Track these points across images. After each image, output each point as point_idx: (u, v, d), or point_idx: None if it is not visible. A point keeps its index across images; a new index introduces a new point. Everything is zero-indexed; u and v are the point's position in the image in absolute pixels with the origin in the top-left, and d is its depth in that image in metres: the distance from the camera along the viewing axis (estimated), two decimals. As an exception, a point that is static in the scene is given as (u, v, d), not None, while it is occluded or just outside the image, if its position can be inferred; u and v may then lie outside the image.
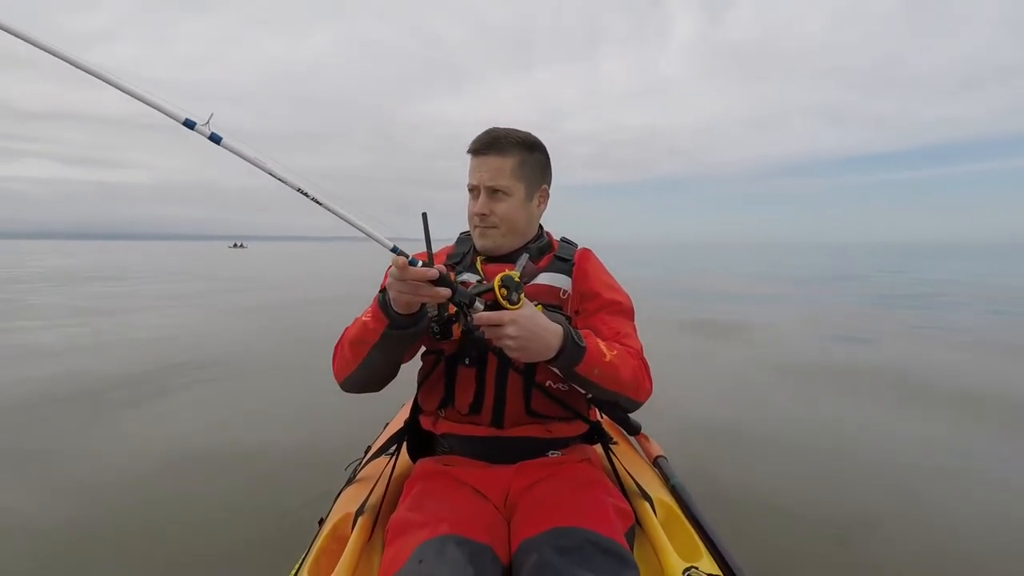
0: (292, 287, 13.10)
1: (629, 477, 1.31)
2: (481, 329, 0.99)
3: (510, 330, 0.96)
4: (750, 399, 3.62)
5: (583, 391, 1.13)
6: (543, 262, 1.26)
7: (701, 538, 1.14)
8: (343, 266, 22.83)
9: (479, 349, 1.16)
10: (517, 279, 1.00)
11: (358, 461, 1.53)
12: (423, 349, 1.29)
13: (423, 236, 1.02)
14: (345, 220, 0.94)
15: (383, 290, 1.03)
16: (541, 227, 1.33)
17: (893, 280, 14.27)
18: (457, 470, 1.18)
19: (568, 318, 1.19)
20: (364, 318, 1.07)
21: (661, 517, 1.19)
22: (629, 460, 1.43)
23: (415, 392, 1.32)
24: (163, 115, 0.89)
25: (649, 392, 1.17)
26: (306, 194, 0.92)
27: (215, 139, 0.92)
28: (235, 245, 68.15)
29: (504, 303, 0.99)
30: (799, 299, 10.00)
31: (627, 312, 1.24)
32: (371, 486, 1.26)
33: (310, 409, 3.37)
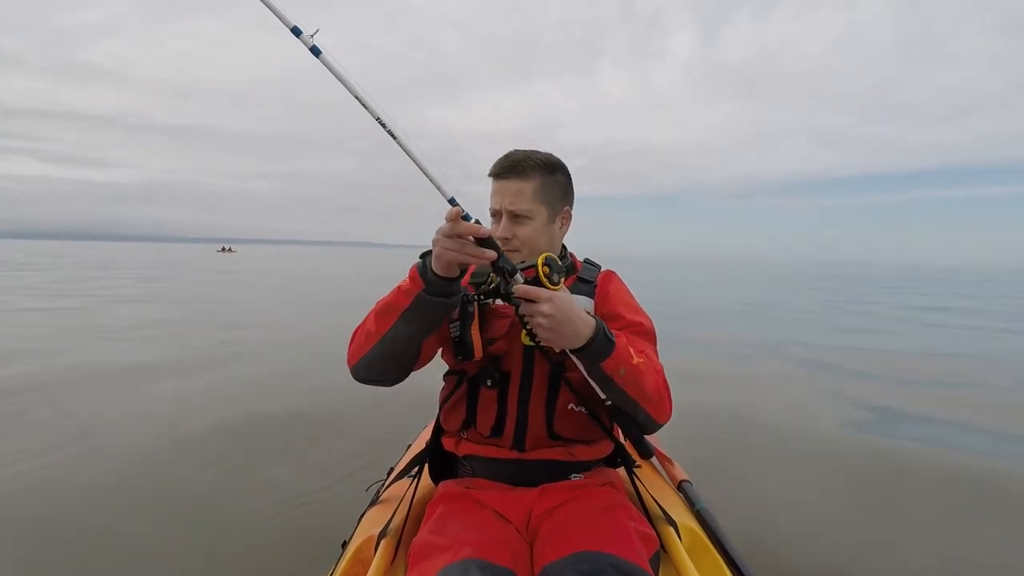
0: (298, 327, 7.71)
1: (653, 501, 1.29)
2: (516, 299, 0.99)
3: (545, 307, 0.96)
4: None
5: (604, 395, 1.10)
6: (566, 283, 1.25)
7: (728, 565, 1.12)
8: (344, 280, 19.16)
9: (501, 371, 1.16)
10: (560, 262, 1.03)
11: (381, 483, 1.53)
12: (446, 369, 1.30)
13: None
14: (413, 160, 0.99)
15: (423, 256, 1.04)
16: (564, 247, 1.33)
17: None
18: (479, 493, 1.17)
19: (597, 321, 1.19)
20: (400, 284, 1.07)
21: (686, 543, 1.17)
22: (653, 484, 1.41)
23: (437, 414, 1.33)
24: (274, 18, 1.01)
25: (669, 414, 1.14)
26: (383, 125, 0.98)
27: (315, 51, 0.99)
28: (223, 249, 67.31)
29: (545, 281, 1.00)
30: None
31: (648, 335, 1.22)
32: (394, 508, 1.26)
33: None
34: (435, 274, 1.00)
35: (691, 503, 1.38)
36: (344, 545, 1.24)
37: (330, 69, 0.99)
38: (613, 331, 1.06)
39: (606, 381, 1.05)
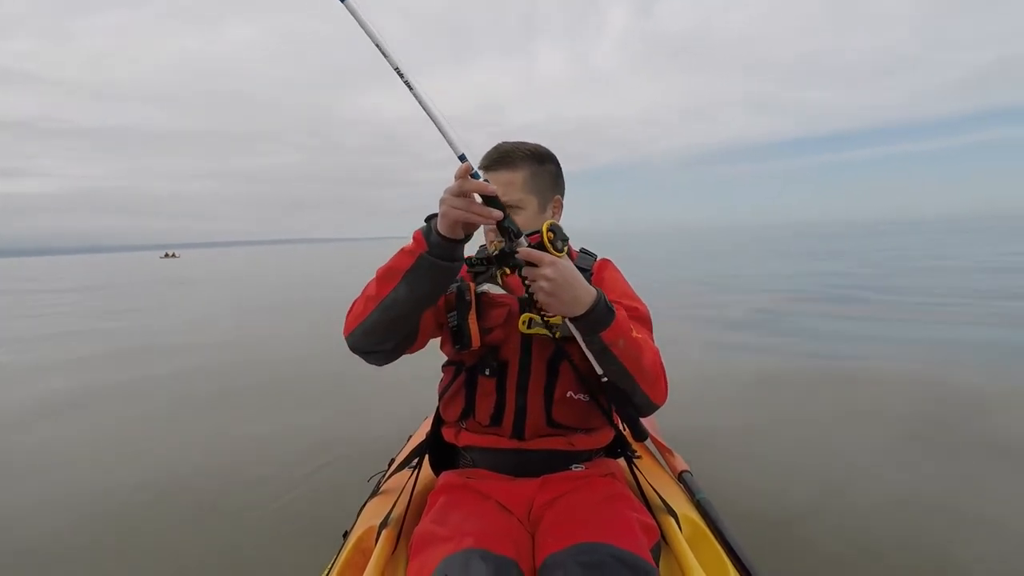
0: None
1: (653, 492, 1.30)
2: (519, 257, 0.99)
3: (548, 271, 0.96)
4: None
5: (601, 369, 1.08)
6: None
7: (728, 555, 1.12)
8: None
9: (499, 359, 1.16)
10: (563, 230, 1.04)
11: (381, 473, 1.54)
12: (444, 359, 1.30)
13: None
14: (428, 112, 1.00)
15: (427, 218, 1.03)
16: None
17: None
18: (480, 483, 1.18)
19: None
20: (404, 247, 1.07)
21: (687, 533, 1.17)
22: (653, 474, 1.42)
23: (437, 405, 1.33)
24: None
25: (664, 395, 1.13)
26: (401, 75, 0.98)
27: None
28: (167, 255, 66.29)
29: (549, 247, 1.00)
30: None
31: (644, 320, 1.22)
32: (394, 499, 1.27)
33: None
34: (439, 235, 0.99)
35: (691, 493, 1.38)
36: (345, 535, 1.25)
37: (353, 14, 0.98)
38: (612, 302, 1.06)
39: (604, 352, 1.03)
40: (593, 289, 1.01)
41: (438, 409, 1.32)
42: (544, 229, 1.01)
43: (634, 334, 1.06)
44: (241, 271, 25.08)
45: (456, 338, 1.18)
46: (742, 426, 3.07)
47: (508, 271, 1.10)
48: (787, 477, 2.44)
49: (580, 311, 0.99)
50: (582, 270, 1.24)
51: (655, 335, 1.23)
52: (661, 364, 1.14)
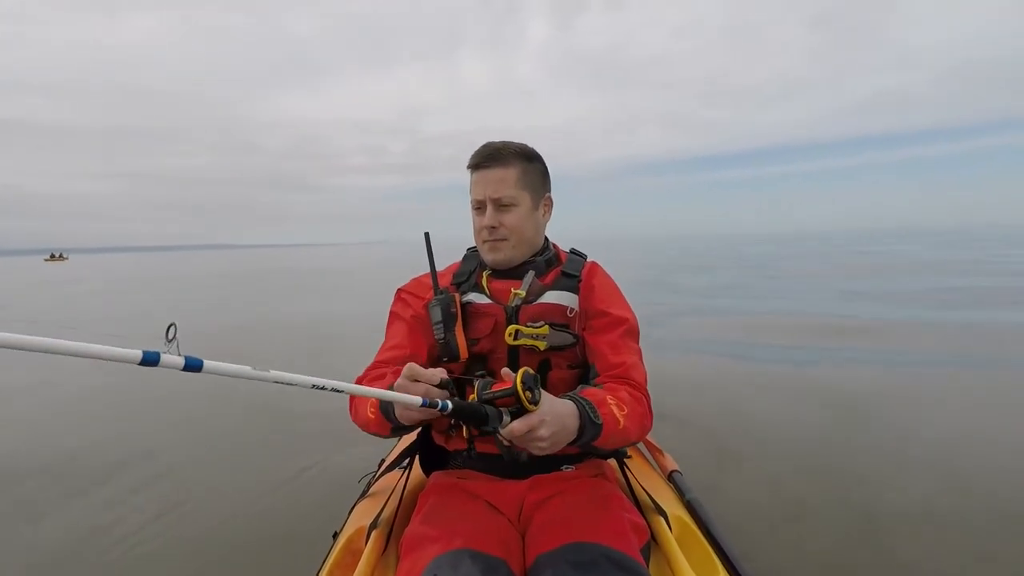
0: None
1: (644, 492, 1.30)
2: (506, 440, 0.91)
3: (543, 432, 0.90)
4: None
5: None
6: (549, 278, 1.24)
7: (717, 554, 1.13)
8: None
9: (487, 370, 1.16)
10: (533, 372, 0.92)
11: (372, 474, 1.53)
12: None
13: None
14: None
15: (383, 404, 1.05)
16: (547, 239, 1.32)
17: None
18: (470, 484, 1.17)
19: (577, 337, 1.18)
20: (370, 415, 1.08)
21: (676, 533, 1.18)
22: (643, 474, 1.42)
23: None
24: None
25: (649, 430, 1.16)
26: (323, 388, 0.73)
27: (192, 366, 0.61)
28: (53, 256, 58.09)
29: (528, 405, 0.89)
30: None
31: (633, 332, 1.22)
32: (384, 499, 1.26)
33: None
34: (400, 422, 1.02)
35: (681, 493, 1.39)
36: (335, 536, 1.24)
37: (224, 373, 0.63)
38: (592, 401, 1.00)
39: (597, 450, 1.11)
40: (572, 405, 0.97)
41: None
42: (519, 388, 0.88)
43: (621, 425, 1.02)
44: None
45: (444, 351, 1.18)
46: (733, 426, 3.09)
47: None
48: (777, 477, 2.46)
49: (573, 437, 0.96)
50: (571, 276, 1.23)
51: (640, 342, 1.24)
52: (648, 410, 1.13)
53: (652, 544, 1.13)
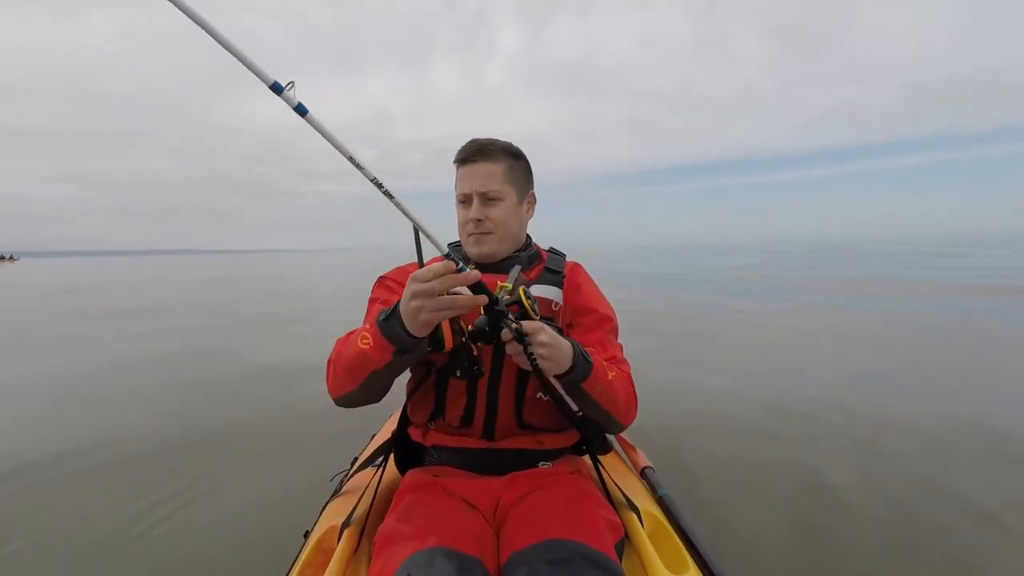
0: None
1: (616, 488, 1.32)
2: (520, 332, 0.96)
3: (543, 337, 0.97)
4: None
5: (576, 408, 1.13)
6: (533, 273, 1.27)
7: (688, 550, 1.14)
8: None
9: (475, 363, 1.16)
10: (531, 291, 1.02)
11: (344, 472, 1.51)
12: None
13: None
14: (409, 217, 0.93)
15: (386, 315, 0.98)
16: (529, 237, 1.34)
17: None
18: (447, 481, 1.17)
19: (560, 331, 1.19)
20: (362, 345, 1.01)
21: (648, 528, 1.19)
22: (616, 471, 1.44)
23: (403, 403, 1.31)
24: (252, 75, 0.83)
25: (634, 417, 1.19)
26: (380, 186, 0.90)
27: (301, 111, 0.85)
28: (2, 258, 57.33)
29: (531, 312, 0.99)
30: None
31: (616, 331, 1.27)
32: (357, 498, 1.25)
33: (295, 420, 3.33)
34: (408, 335, 0.96)
35: (653, 489, 1.41)
36: (306, 535, 1.22)
37: (319, 130, 0.86)
38: (586, 349, 1.08)
39: (584, 397, 1.08)
40: (567, 340, 1.04)
41: (405, 409, 1.31)
42: (523, 296, 1.00)
43: (609, 376, 1.09)
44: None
45: (429, 340, 1.17)
46: (704, 423, 3.15)
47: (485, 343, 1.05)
48: (747, 472, 2.51)
49: (567, 366, 1.02)
50: (553, 272, 1.26)
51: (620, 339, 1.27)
52: (633, 391, 1.18)
53: (625, 540, 1.15)
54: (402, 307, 0.94)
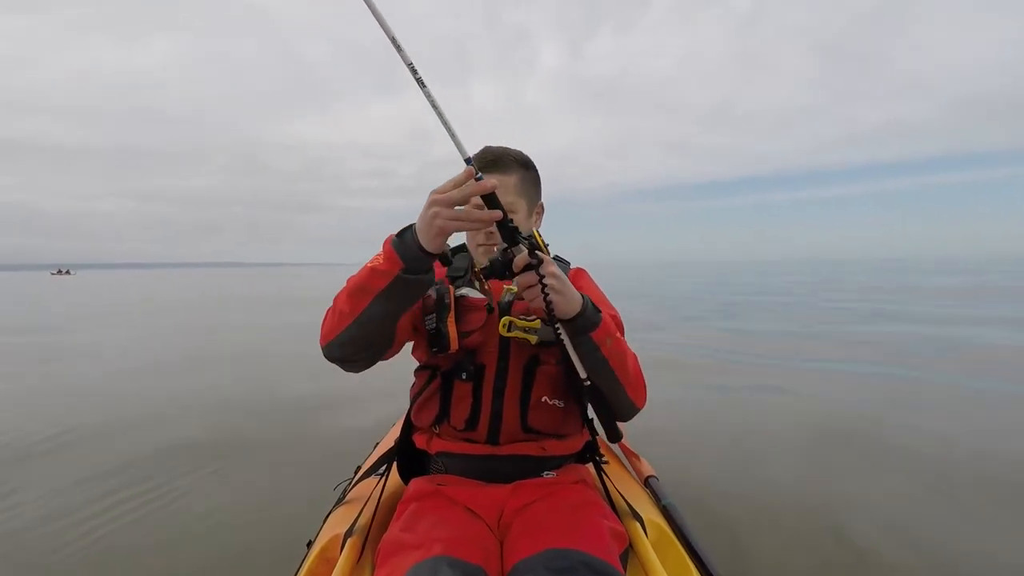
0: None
1: (620, 497, 1.31)
2: (534, 257, 0.97)
3: (552, 268, 0.99)
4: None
5: (587, 369, 1.07)
6: None
7: (692, 560, 1.14)
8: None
9: (476, 363, 1.16)
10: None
11: (348, 481, 1.51)
12: (416, 365, 1.29)
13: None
14: (436, 110, 0.91)
15: (400, 233, 0.98)
16: None
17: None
18: (450, 490, 1.17)
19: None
20: (371, 263, 1.00)
21: (652, 538, 1.19)
22: (620, 480, 1.43)
23: (406, 411, 1.31)
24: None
25: (645, 399, 1.18)
26: (415, 72, 0.90)
27: None
28: (59, 272, 61.66)
29: (544, 251, 1.04)
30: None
31: (622, 328, 1.25)
32: (360, 507, 1.24)
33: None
34: (420, 249, 0.94)
35: (658, 499, 1.40)
36: (310, 544, 1.22)
37: (371, 7, 0.88)
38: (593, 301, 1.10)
39: (593, 353, 1.04)
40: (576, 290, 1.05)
41: (408, 415, 1.31)
42: (536, 233, 1.09)
43: (620, 336, 1.11)
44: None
45: (434, 341, 1.17)
46: (709, 432, 3.13)
47: (495, 277, 1.05)
48: (752, 483, 2.50)
49: (577, 309, 1.02)
50: None
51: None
52: (640, 369, 1.18)
53: (629, 550, 1.14)
54: (418, 218, 0.94)
